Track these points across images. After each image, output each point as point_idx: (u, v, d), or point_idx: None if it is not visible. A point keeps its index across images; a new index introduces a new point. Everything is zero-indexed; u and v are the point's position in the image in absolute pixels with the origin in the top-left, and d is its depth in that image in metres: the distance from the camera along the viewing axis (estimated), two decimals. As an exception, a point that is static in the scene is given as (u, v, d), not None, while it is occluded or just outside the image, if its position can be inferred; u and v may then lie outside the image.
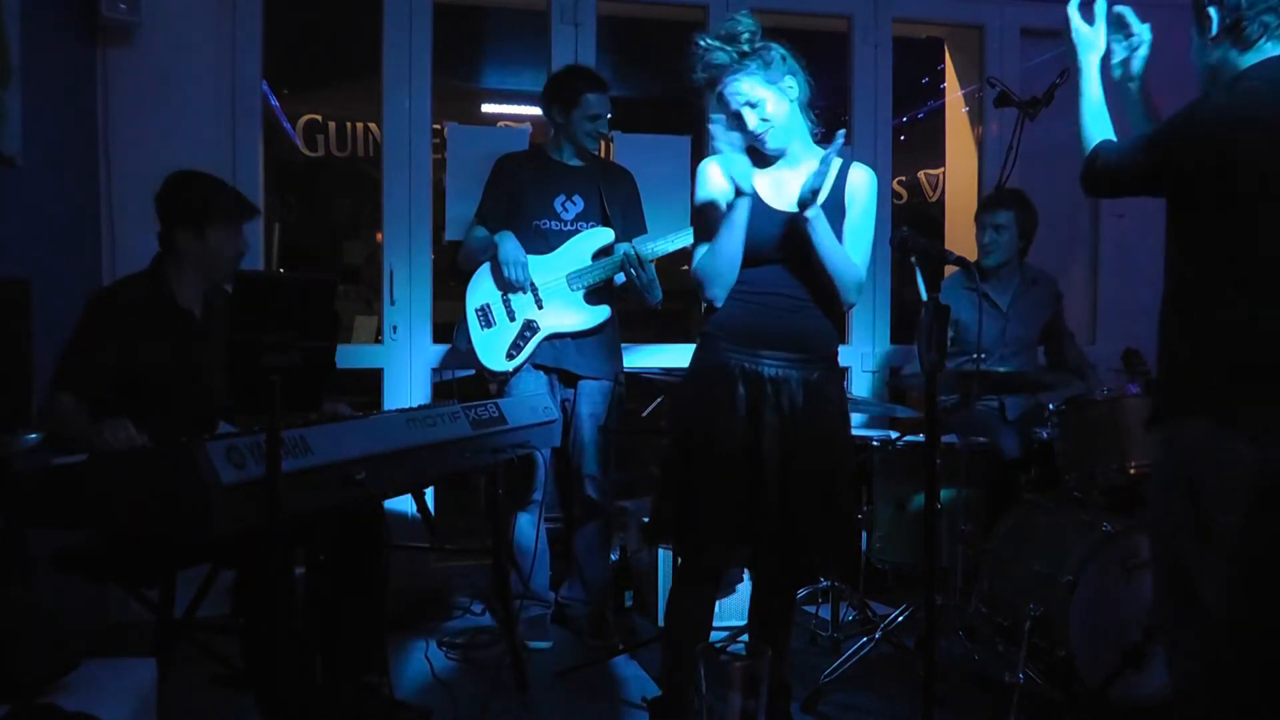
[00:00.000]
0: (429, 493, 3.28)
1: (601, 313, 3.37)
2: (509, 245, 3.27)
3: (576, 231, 3.38)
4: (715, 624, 3.43)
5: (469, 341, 3.35)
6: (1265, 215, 1.90)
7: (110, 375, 2.44)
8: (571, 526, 3.54)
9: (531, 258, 3.32)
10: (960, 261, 2.25)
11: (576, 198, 3.40)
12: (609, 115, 3.42)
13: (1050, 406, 3.17)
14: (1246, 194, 1.90)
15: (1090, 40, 2.33)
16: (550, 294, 3.34)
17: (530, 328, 3.33)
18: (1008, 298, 3.67)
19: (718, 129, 2.30)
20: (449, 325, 3.67)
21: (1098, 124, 2.23)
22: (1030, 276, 3.74)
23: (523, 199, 3.39)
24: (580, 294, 3.35)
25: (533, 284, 3.34)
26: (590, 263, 3.36)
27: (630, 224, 3.45)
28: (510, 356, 3.32)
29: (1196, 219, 1.98)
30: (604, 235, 3.39)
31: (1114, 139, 2.16)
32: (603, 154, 3.93)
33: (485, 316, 3.35)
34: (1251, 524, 1.91)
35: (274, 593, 2.12)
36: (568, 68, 3.59)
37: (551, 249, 3.36)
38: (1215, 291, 1.95)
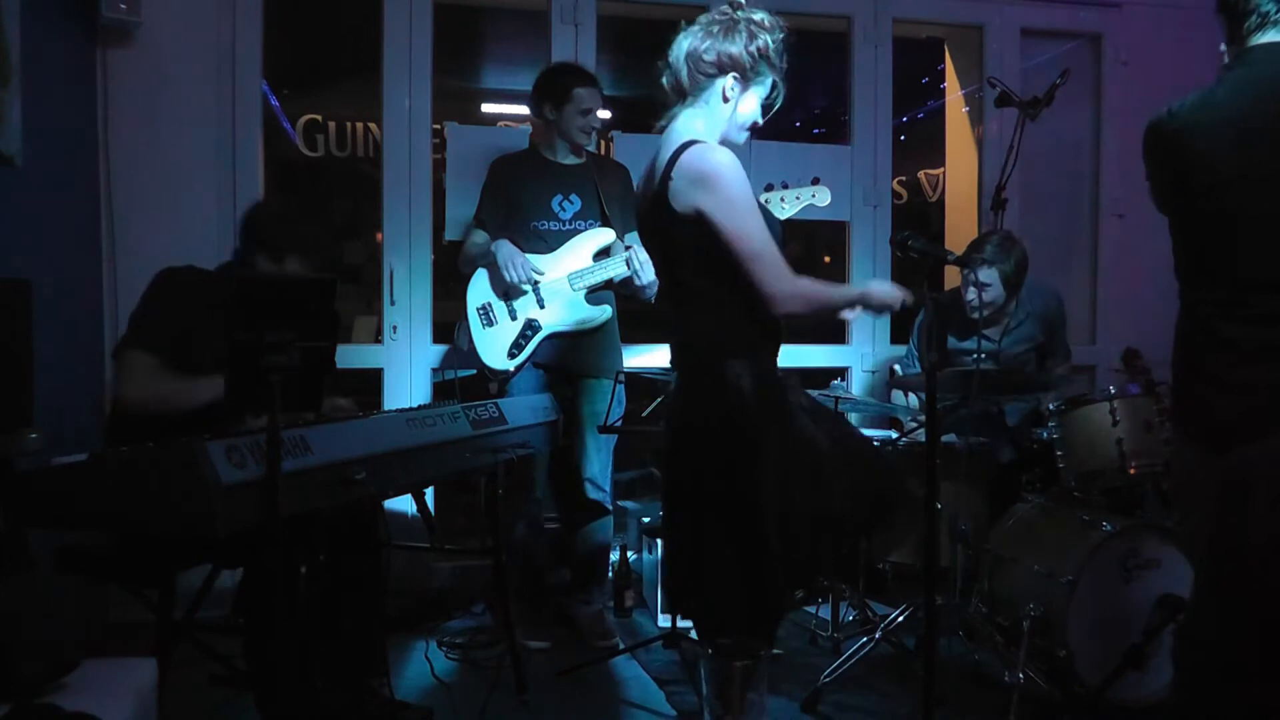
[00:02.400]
0: (429, 493, 3.29)
1: (603, 312, 3.37)
2: (506, 249, 3.27)
3: (576, 231, 3.38)
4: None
5: (470, 341, 3.35)
6: (1194, 219, 1.97)
7: (178, 341, 2.47)
8: (571, 526, 3.54)
9: (532, 257, 3.32)
10: (960, 262, 2.25)
11: (574, 196, 3.41)
12: (600, 109, 3.41)
13: (1050, 406, 3.17)
14: (1183, 198, 1.97)
15: None
16: (551, 293, 3.34)
17: (532, 327, 3.33)
18: (998, 331, 3.58)
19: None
20: (449, 325, 3.67)
21: None
22: (1023, 305, 3.60)
23: (520, 201, 3.39)
24: (581, 293, 3.35)
25: (535, 283, 3.34)
26: (591, 262, 3.36)
27: (628, 219, 3.46)
28: (512, 355, 3.32)
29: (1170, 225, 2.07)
30: (604, 235, 3.39)
31: None
32: (603, 152, 3.93)
33: (487, 315, 3.35)
34: (1217, 525, 2.00)
35: (276, 592, 2.12)
36: (554, 65, 3.60)
37: (551, 249, 3.37)
38: (1181, 297, 2.04)
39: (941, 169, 6.20)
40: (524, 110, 6.46)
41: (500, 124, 6.58)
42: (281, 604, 2.10)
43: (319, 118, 6.30)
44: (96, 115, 3.52)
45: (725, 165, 2.02)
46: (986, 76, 4.17)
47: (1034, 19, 4.51)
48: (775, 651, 3.32)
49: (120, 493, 1.94)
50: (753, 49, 2.09)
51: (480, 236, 3.40)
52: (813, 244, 7.65)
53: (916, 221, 6.70)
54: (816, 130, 7.03)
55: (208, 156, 3.63)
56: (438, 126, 4.17)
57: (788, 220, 3.00)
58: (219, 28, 3.69)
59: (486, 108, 6.67)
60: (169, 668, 2.28)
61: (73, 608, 3.10)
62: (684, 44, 2.12)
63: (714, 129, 2.13)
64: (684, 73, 2.11)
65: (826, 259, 7.46)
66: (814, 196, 3.01)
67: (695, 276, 2.10)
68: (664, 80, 2.16)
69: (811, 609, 3.55)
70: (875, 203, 4.32)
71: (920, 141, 6.50)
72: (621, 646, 3.33)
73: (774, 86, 2.16)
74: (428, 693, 2.92)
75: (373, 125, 6.22)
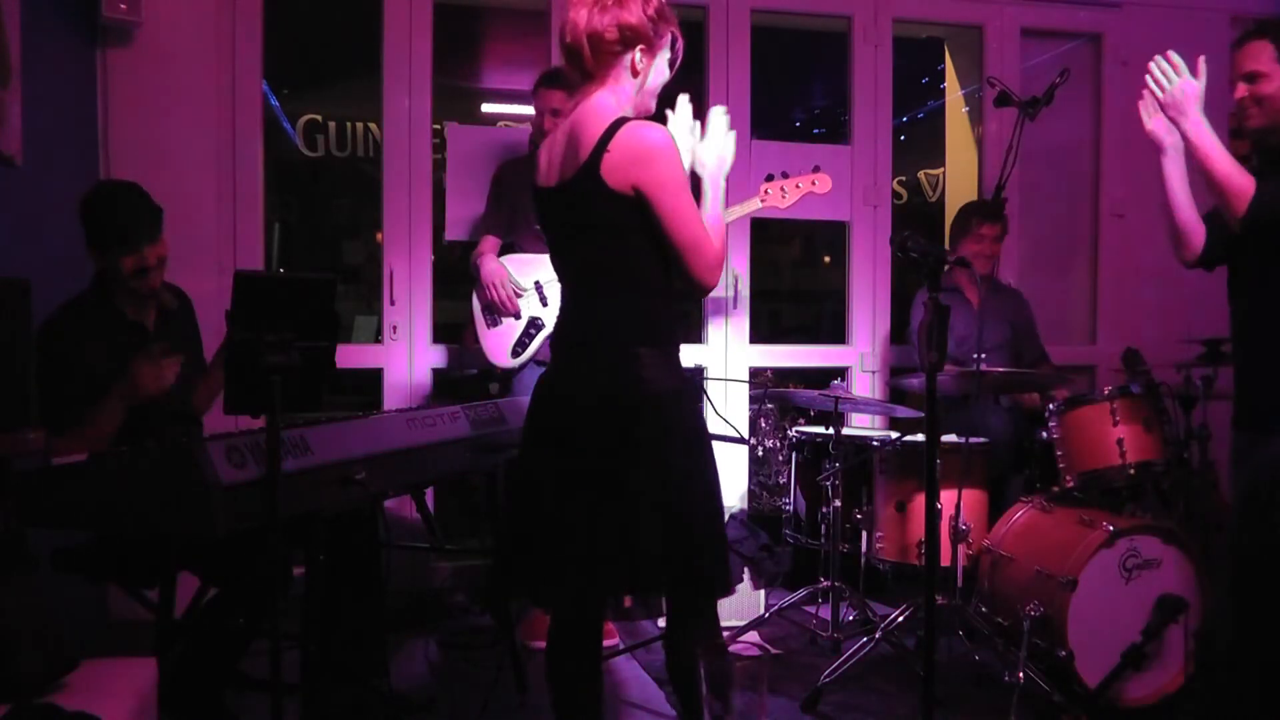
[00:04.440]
0: (429, 492, 3.29)
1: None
2: (488, 267, 3.34)
3: None
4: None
5: (476, 339, 3.38)
6: None
7: (91, 398, 2.40)
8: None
9: (538, 256, 3.35)
10: (960, 262, 2.25)
11: None
12: (557, 112, 3.36)
13: (1050, 406, 3.17)
14: None
15: (1199, 93, 2.30)
16: (555, 291, 3.36)
17: (535, 325, 3.34)
18: (975, 295, 3.80)
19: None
20: (449, 325, 3.69)
21: (1235, 167, 2.25)
22: (994, 284, 3.88)
23: (523, 203, 3.41)
24: (583, 291, 3.37)
25: (537, 282, 3.35)
26: None
27: None
28: (516, 354, 3.35)
29: None
30: None
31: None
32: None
33: (492, 315, 3.37)
34: (1239, 524, 2.25)
35: (268, 596, 2.11)
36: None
37: None
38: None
39: (941, 169, 6.20)
40: (524, 110, 6.48)
41: (500, 124, 6.57)
42: (269, 608, 2.08)
43: (319, 118, 6.30)
44: (96, 115, 3.52)
45: (668, 146, 1.93)
46: (986, 76, 4.18)
47: (1034, 19, 4.50)
48: (775, 652, 3.33)
49: (120, 493, 1.94)
50: (650, 12, 1.96)
51: (486, 246, 3.45)
52: (813, 244, 7.66)
53: (916, 221, 6.70)
54: (816, 130, 7.03)
55: (208, 156, 3.63)
56: (438, 126, 4.17)
57: (786, 220, 3.01)
58: (219, 28, 3.69)
59: (486, 108, 6.66)
60: (169, 668, 2.28)
61: (73, 608, 3.10)
62: (579, 23, 1.97)
63: (626, 104, 2.02)
64: (585, 53, 1.97)
65: (826, 259, 7.47)
66: (814, 184, 3.02)
67: (616, 257, 1.96)
68: (566, 61, 2.03)
69: (811, 609, 3.55)
70: (875, 203, 4.32)
71: (920, 141, 6.50)
72: (621, 646, 3.33)
73: (674, 41, 2.03)
74: (428, 693, 2.92)
75: (373, 125, 6.21)
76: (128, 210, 2.46)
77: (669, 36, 2.02)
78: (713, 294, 4.16)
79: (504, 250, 3.47)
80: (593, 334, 2.00)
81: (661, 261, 1.97)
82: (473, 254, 3.49)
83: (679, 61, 2.07)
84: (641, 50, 1.98)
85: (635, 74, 2.00)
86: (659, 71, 2.03)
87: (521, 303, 3.36)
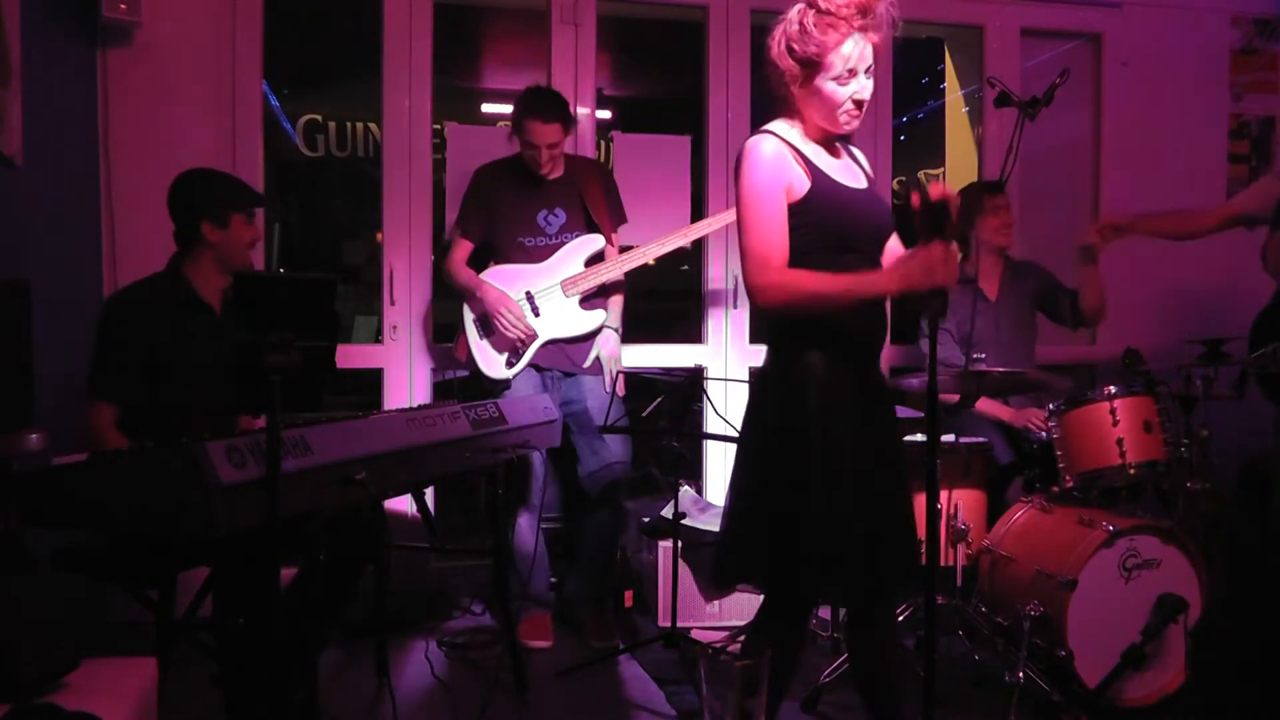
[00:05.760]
0: (429, 492, 3.29)
1: (597, 317, 3.38)
2: (492, 294, 3.28)
3: (562, 244, 3.38)
4: (716, 624, 3.46)
5: (469, 350, 3.36)
6: None
7: (143, 376, 2.49)
8: (574, 524, 3.54)
9: (526, 266, 3.34)
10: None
11: (558, 210, 3.39)
12: (554, 142, 3.27)
13: (1050, 406, 3.17)
14: None
15: None
16: (546, 302, 3.35)
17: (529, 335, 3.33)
18: (994, 286, 3.73)
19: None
20: (449, 325, 3.68)
21: None
22: (1013, 267, 3.79)
23: (504, 215, 3.38)
24: (575, 299, 3.35)
25: (528, 293, 3.34)
26: (584, 269, 3.36)
27: (614, 213, 3.46)
28: (510, 364, 3.33)
29: None
30: (594, 241, 3.39)
31: None
32: (602, 156, 3.92)
33: (484, 324, 3.35)
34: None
35: (263, 594, 2.10)
36: (530, 88, 3.40)
37: (539, 262, 3.37)
38: None
39: (941, 169, 6.20)
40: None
41: (500, 124, 6.56)
42: (268, 605, 2.07)
43: (319, 118, 6.30)
44: (96, 115, 3.52)
45: (752, 154, 2.04)
46: (986, 76, 4.18)
47: (1034, 19, 4.50)
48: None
49: (120, 493, 1.94)
50: (793, 30, 2.02)
51: (463, 250, 3.40)
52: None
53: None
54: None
55: (208, 156, 3.62)
56: (438, 126, 4.17)
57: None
58: (219, 28, 3.69)
59: (486, 108, 6.66)
60: (169, 668, 2.28)
61: (73, 608, 3.10)
62: None
63: (793, 121, 2.12)
64: (768, 70, 2.11)
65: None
66: None
67: None
68: None
69: (811, 609, 3.55)
70: (875, 203, 4.32)
71: (920, 141, 6.50)
72: (621, 646, 3.33)
73: (843, 57, 2.00)
74: (428, 693, 2.92)
75: (373, 125, 6.22)
76: (242, 181, 2.72)
77: (823, 58, 2.01)
78: (712, 291, 4.19)
79: (486, 259, 3.44)
80: (768, 329, 2.18)
81: (819, 258, 2.04)
82: (447, 260, 3.42)
83: (857, 70, 2.03)
84: (796, 68, 2.04)
85: (794, 94, 2.07)
86: (820, 95, 2.05)
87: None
